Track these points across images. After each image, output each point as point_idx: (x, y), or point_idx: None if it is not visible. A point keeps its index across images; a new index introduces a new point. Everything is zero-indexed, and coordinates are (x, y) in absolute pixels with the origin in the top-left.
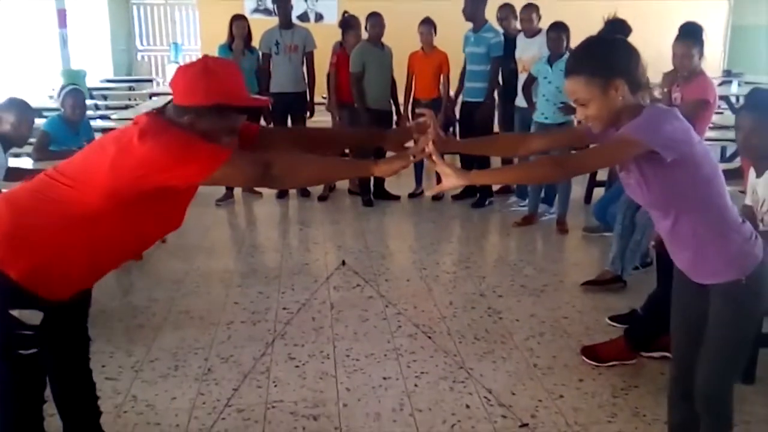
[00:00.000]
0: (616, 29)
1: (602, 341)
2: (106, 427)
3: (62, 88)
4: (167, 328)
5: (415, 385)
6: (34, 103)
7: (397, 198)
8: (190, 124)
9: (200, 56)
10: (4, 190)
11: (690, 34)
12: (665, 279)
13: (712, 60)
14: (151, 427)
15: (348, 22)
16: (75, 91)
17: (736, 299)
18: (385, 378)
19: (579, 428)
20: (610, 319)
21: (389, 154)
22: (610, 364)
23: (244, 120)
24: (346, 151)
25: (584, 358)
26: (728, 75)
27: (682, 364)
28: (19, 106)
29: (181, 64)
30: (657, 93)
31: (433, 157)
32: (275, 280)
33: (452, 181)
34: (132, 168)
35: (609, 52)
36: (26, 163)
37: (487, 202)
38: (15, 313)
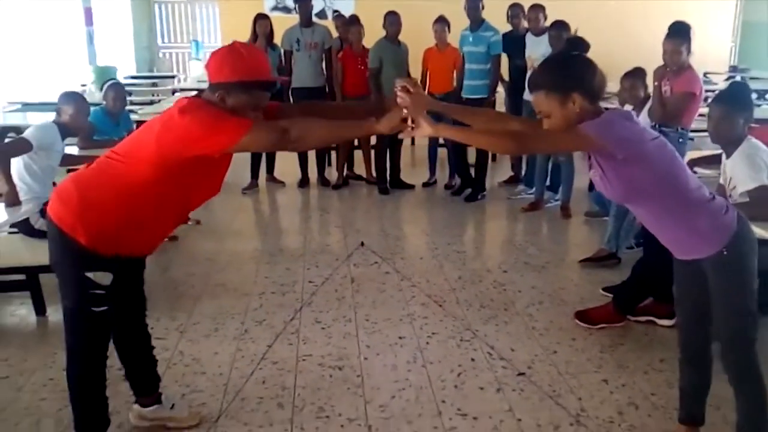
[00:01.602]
0: (575, 46)
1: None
2: (161, 373)
3: (104, 82)
4: (205, 298)
5: (427, 343)
6: None
7: (411, 187)
8: (220, 99)
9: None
10: (57, 180)
11: (679, 33)
12: (649, 249)
13: (720, 56)
14: (197, 376)
15: (352, 20)
16: (116, 85)
17: (723, 270)
18: (400, 337)
19: (569, 376)
20: (604, 290)
21: None
22: (601, 326)
23: (267, 98)
24: None
25: (577, 321)
26: (734, 71)
27: (687, 332)
28: (76, 99)
29: (203, 61)
30: (650, 90)
31: (409, 106)
32: (300, 258)
33: (423, 130)
34: (174, 139)
35: (564, 68)
36: (73, 150)
37: (479, 197)
38: (89, 275)
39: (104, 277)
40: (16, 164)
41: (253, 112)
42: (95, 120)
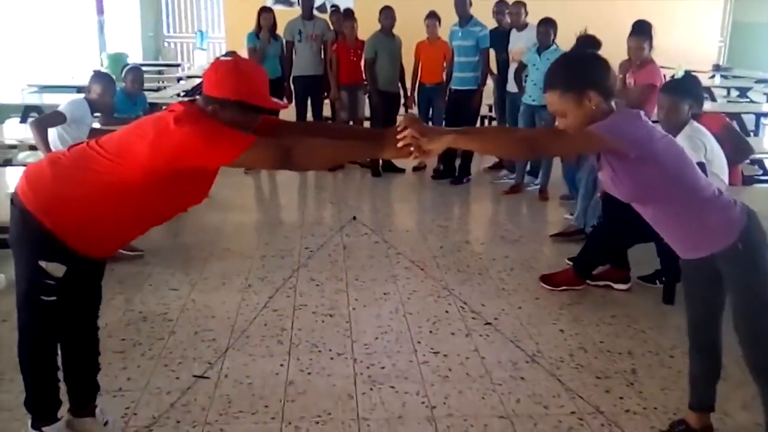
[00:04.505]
0: (587, 45)
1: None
2: (176, 316)
3: (124, 66)
4: (213, 260)
5: (408, 298)
6: (79, 82)
7: (402, 171)
8: (213, 112)
9: (227, 48)
10: None
11: (641, 30)
12: (607, 219)
13: (708, 54)
14: (208, 319)
15: (347, 14)
16: (135, 69)
17: (740, 263)
18: (385, 293)
19: (530, 326)
20: (569, 259)
21: None
22: (562, 288)
23: (259, 120)
24: None
25: (542, 283)
26: (716, 69)
27: (697, 327)
28: (105, 79)
29: (208, 51)
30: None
31: (415, 135)
32: (298, 229)
33: (431, 152)
34: (169, 149)
35: (579, 67)
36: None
37: (465, 180)
38: (42, 264)
39: (57, 269)
40: (51, 135)
41: (244, 131)
42: (115, 99)
